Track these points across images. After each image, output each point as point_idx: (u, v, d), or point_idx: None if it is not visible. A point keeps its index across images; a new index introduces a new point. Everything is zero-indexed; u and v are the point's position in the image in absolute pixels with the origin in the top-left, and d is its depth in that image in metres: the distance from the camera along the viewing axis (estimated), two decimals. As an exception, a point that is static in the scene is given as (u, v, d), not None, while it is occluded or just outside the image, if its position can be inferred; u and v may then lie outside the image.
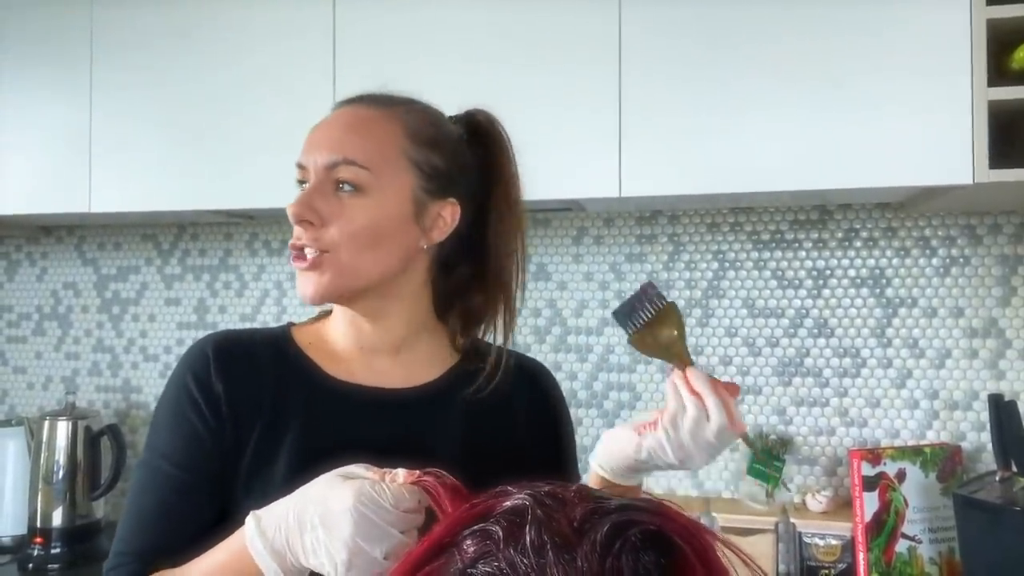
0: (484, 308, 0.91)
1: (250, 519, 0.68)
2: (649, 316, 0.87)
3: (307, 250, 0.80)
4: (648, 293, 0.87)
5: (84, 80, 1.75)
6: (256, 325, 2.02)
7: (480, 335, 0.93)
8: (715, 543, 0.49)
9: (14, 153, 1.80)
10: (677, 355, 0.85)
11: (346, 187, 0.80)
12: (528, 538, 0.46)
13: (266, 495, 0.77)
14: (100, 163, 1.74)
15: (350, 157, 0.80)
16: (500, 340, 0.91)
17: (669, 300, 0.88)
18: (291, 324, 0.91)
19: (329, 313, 0.91)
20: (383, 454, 0.78)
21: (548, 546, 0.46)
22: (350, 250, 0.80)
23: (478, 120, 0.91)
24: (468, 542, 0.49)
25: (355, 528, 0.62)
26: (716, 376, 0.84)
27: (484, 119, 0.91)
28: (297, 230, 0.80)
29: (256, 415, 0.81)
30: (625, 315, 0.88)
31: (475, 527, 0.49)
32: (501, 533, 0.48)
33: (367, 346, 0.87)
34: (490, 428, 0.87)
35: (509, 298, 0.91)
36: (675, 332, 0.86)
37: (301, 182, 0.84)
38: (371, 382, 0.86)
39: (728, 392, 0.82)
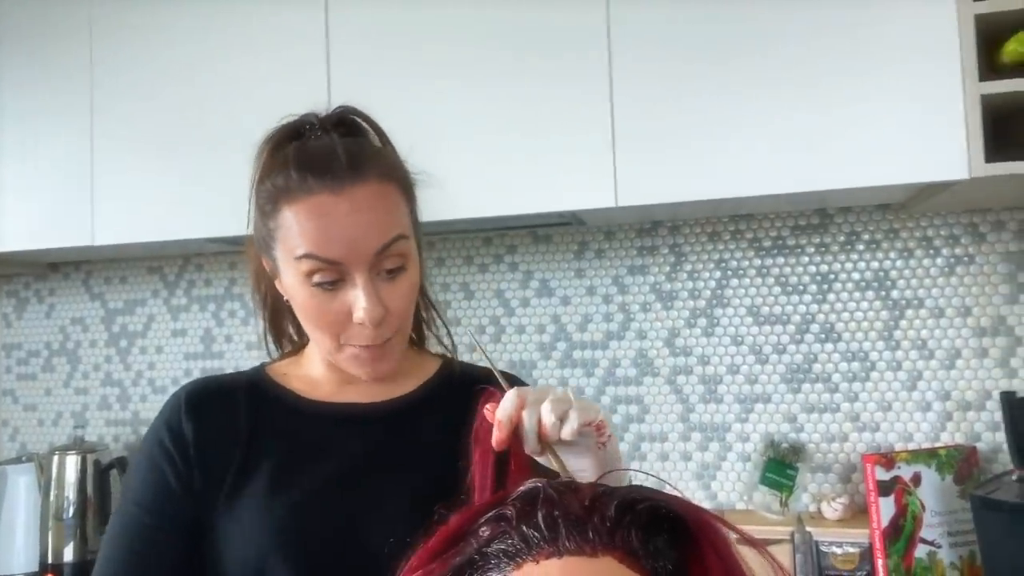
0: (423, 319, 0.95)
1: None
2: None
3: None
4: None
5: (85, 112, 1.77)
6: (262, 352, 2.02)
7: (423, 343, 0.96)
8: (722, 527, 0.49)
9: (16, 189, 1.82)
10: None
11: (396, 264, 0.79)
12: (540, 515, 0.48)
13: (244, 519, 0.79)
14: (103, 195, 1.76)
15: (399, 232, 0.79)
16: (442, 348, 0.95)
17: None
18: (263, 364, 0.93)
19: (302, 347, 0.93)
20: (359, 465, 0.82)
21: (560, 522, 0.47)
22: (408, 321, 0.84)
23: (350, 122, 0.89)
24: (483, 528, 0.50)
25: None
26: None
27: (363, 119, 0.89)
28: (373, 333, 0.78)
29: (232, 447, 0.83)
30: None
31: (489, 514, 0.50)
32: (514, 513, 0.49)
33: None
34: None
35: (429, 305, 0.94)
36: None
37: (326, 281, 0.77)
38: (349, 400, 0.88)
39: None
